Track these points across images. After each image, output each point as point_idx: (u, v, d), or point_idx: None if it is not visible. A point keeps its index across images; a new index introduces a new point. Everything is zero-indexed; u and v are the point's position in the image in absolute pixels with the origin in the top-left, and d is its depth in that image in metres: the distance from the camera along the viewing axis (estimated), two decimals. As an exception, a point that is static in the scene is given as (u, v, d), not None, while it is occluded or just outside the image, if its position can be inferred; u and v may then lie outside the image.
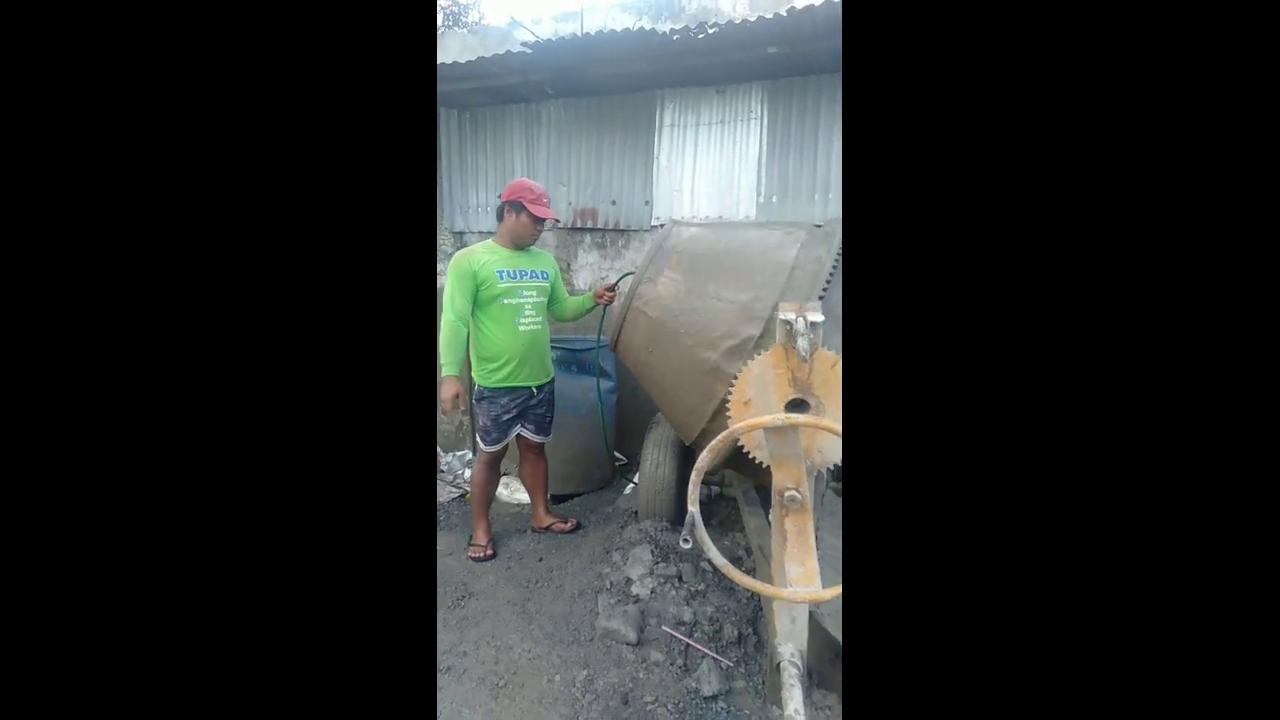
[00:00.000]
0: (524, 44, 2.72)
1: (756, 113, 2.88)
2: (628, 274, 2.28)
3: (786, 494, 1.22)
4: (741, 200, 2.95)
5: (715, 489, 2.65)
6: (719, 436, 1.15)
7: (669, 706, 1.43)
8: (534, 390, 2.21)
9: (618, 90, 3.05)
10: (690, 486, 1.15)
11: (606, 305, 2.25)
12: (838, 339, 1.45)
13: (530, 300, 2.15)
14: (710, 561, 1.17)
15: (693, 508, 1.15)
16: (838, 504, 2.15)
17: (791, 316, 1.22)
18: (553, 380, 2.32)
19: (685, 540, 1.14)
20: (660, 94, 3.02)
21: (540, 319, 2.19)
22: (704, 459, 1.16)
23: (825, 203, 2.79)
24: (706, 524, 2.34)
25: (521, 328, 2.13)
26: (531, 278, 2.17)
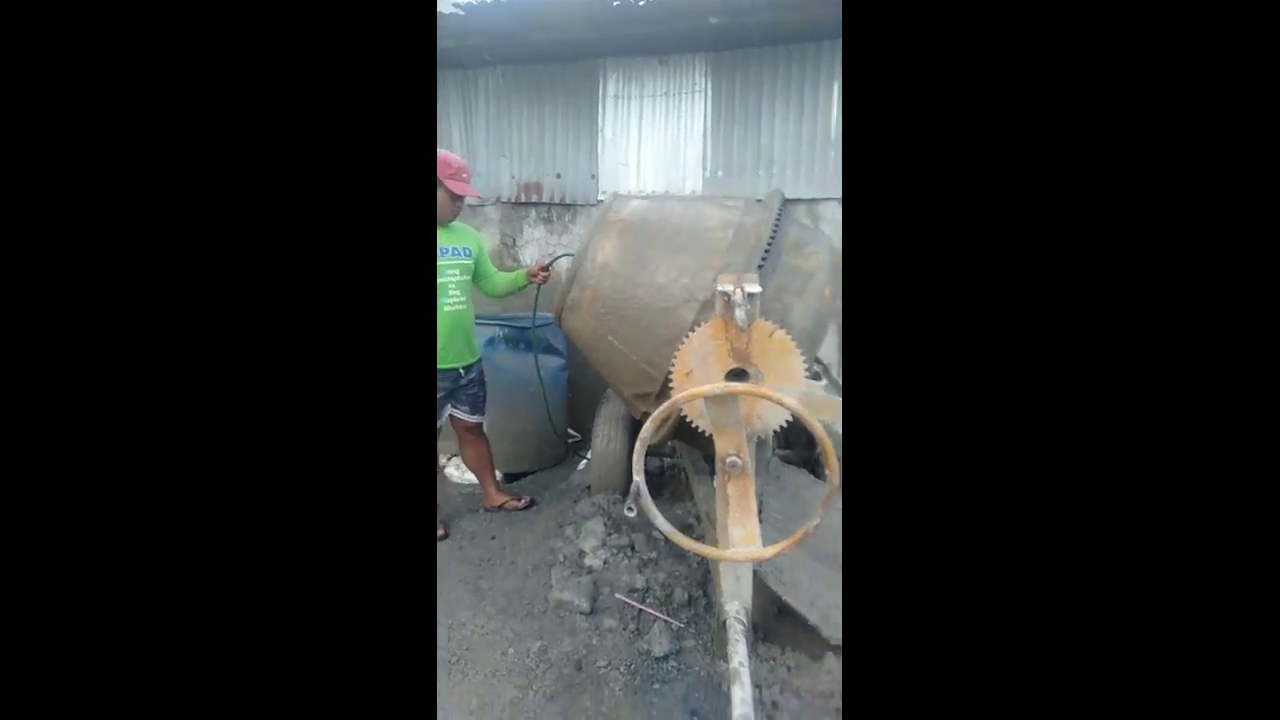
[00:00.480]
0: (456, 4, 2.58)
1: (700, 85, 2.87)
2: (564, 254, 2.26)
3: (728, 460, 1.26)
4: (688, 175, 2.95)
5: (667, 460, 2.71)
6: (661, 407, 1.17)
7: (621, 669, 1.48)
8: (461, 371, 2.17)
9: (559, 58, 2.96)
10: (634, 457, 1.17)
11: (540, 285, 2.22)
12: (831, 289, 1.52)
13: (454, 279, 2.08)
14: (657, 528, 1.21)
15: (638, 477, 1.17)
16: (783, 470, 2.25)
17: (729, 288, 1.25)
18: (480, 360, 2.28)
19: (629, 509, 1.17)
20: (603, 63, 2.95)
21: (465, 298, 2.13)
22: (647, 429, 1.18)
23: (769, 178, 2.83)
24: (659, 495, 2.40)
25: (446, 308, 2.06)
26: (454, 255, 2.09)
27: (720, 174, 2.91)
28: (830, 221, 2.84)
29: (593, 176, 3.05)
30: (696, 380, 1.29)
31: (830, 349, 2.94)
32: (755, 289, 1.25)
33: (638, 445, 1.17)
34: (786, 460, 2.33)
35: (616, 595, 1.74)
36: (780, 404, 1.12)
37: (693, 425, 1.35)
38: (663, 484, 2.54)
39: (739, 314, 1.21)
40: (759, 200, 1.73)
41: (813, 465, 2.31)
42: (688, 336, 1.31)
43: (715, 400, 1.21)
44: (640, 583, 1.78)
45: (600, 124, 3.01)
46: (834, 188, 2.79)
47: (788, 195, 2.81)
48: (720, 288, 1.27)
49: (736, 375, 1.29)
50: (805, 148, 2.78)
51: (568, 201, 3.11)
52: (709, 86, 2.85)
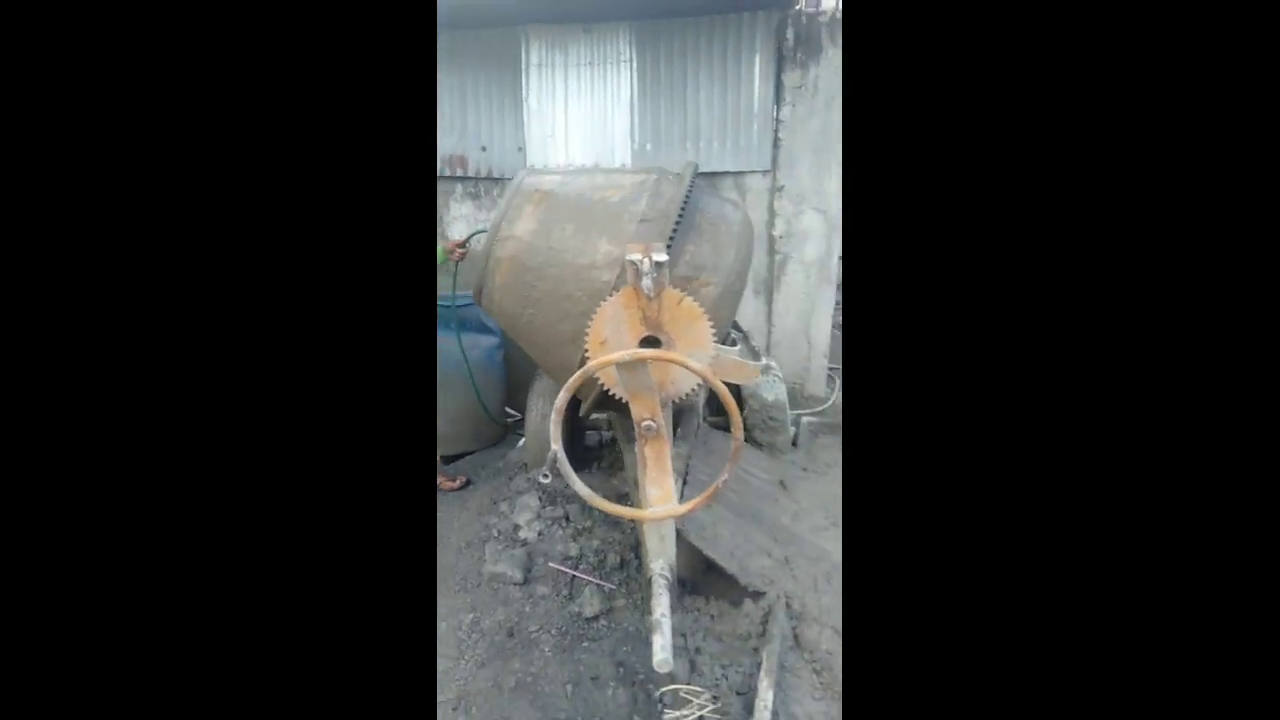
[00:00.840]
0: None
1: (626, 55, 2.84)
2: (478, 231, 2.22)
3: (644, 424, 1.31)
4: (616, 147, 2.93)
5: (607, 434, 2.75)
6: (574, 375, 1.20)
7: (552, 632, 1.53)
8: None
9: (477, 23, 2.83)
10: (551, 425, 1.20)
11: (457, 262, 2.18)
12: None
13: None
14: (576, 492, 1.24)
15: (555, 445, 1.20)
16: (710, 436, 2.34)
17: (638, 258, 1.27)
18: None
19: (545, 475, 1.20)
20: (524, 30, 2.86)
21: None
22: (562, 397, 1.20)
23: (696, 150, 2.86)
24: (597, 468, 2.44)
25: None
26: None
27: (649, 146, 2.90)
28: (756, 193, 2.91)
29: (520, 149, 2.98)
30: (611, 348, 1.32)
31: (759, 316, 3.04)
32: (662, 258, 1.28)
33: (553, 414, 1.19)
34: (716, 426, 2.42)
35: (550, 564, 1.78)
36: (685, 367, 1.17)
37: (609, 392, 1.38)
38: (602, 456, 2.59)
39: (646, 282, 1.24)
40: (676, 174, 1.74)
41: (741, 429, 2.41)
42: (601, 305, 1.34)
43: (627, 367, 1.25)
44: (574, 550, 1.82)
45: (524, 94, 2.92)
46: (758, 160, 2.85)
47: (715, 168, 2.85)
48: (629, 257, 1.29)
49: (649, 343, 1.33)
50: (730, 120, 2.82)
51: (494, 175, 3.03)
52: (634, 56, 2.83)
